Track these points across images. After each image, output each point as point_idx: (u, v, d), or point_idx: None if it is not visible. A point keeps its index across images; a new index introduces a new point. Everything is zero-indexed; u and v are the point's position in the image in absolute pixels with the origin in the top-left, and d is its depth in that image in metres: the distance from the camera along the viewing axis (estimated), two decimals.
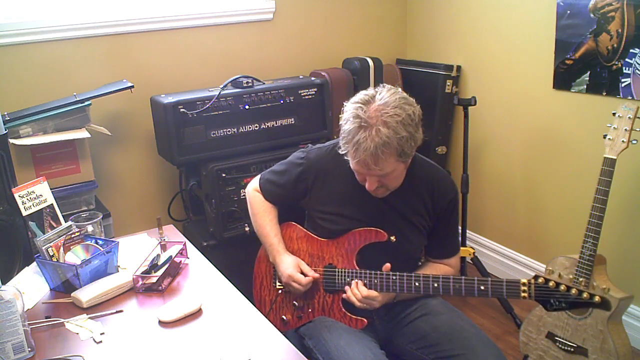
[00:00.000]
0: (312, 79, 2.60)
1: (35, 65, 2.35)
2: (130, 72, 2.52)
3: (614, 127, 1.90)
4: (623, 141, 1.87)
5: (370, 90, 1.53)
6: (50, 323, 1.41)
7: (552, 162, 2.54)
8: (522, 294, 1.44)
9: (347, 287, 1.61)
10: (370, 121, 1.45)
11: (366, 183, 1.56)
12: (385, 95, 1.49)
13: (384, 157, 1.45)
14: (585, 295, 1.37)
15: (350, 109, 1.50)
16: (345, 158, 1.55)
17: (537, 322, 2.09)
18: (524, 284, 1.44)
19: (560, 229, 2.57)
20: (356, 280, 1.60)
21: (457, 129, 3.00)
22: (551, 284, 1.40)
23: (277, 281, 1.79)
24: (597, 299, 1.36)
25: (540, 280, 1.42)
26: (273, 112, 2.46)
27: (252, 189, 1.85)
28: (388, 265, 1.59)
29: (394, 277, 1.57)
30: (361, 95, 1.52)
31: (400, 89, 1.53)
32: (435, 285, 1.55)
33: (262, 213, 1.80)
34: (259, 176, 1.86)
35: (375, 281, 1.59)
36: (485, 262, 2.83)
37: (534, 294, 1.43)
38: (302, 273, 1.67)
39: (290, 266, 1.68)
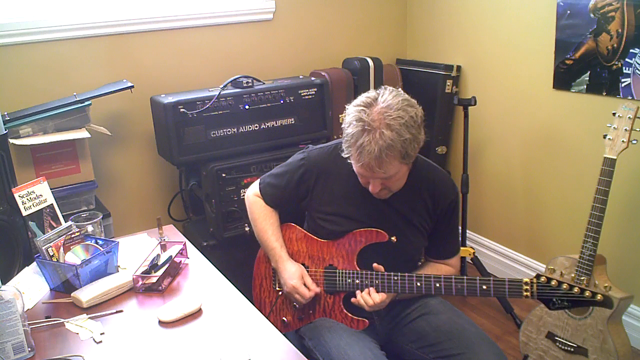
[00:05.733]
0: (312, 79, 2.60)
1: (35, 65, 2.35)
2: (130, 72, 2.52)
3: (614, 127, 1.90)
4: (623, 141, 1.87)
5: (372, 93, 1.51)
6: (50, 323, 1.41)
7: (552, 162, 2.54)
8: (525, 293, 1.44)
9: (357, 292, 1.59)
10: (374, 124, 1.44)
11: (369, 186, 1.56)
12: (388, 97, 1.47)
13: (388, 160, 1.44)
14: (587, 293, 1.37)
15: (352, 112, 1.49)
16: (349, 161, 1.54)
17: (537, 322, 2.09)
18: (526, 283, 1.44)
19: (560, 229, 2.57)
20: (369, 288, 1.58)
21: (457, 129, 3.00)
22: (553, 282, 1.40)
23: (277, 283, 1.78)
24: (599, 297, 1.36)
25: (543, 279, 1.42)
26: (273, 112, 2.46)
27: (252, 194, 1.83)
28: (381, 267, 1.59)
29: (396, 278, 1.57)
30: (363, 97, 1.50)
31: (401, 91, 1.52)
32: (437, 285, 1.54)
33: (263, 218, 1.78)
34: (258, 181, 1.85)
35: (377, 282, 1.59)
36: (485, 262, 2.84)
37: (537, 293, 1.43)
38: (305, 286, 1.67)
39: (294, 277, 1.66)
